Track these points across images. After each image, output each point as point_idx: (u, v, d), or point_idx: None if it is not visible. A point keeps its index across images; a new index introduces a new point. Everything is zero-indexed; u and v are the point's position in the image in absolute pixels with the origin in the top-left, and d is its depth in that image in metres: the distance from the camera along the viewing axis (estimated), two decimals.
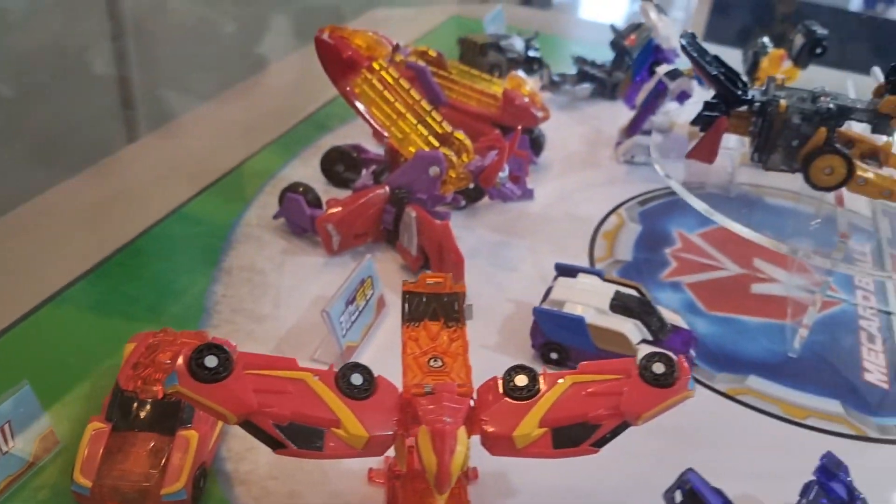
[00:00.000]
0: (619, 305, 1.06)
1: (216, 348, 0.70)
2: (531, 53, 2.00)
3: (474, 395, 0.77)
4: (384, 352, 1.09)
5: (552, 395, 0.76)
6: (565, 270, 1.15)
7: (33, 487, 0.84)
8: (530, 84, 1.55)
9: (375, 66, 1.23)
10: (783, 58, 1.76)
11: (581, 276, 1.13)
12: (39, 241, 1.25)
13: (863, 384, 1.11)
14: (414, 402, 0.74)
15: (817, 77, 1.84)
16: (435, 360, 0.81)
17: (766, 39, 1.84)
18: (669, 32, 1.70)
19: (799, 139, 1.12)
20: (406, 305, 0.85)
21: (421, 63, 1.53)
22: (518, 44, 1.99)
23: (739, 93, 1.14)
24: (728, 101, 1.15)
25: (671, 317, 1.10)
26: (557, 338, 1.06)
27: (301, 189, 1.28)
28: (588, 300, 1.07)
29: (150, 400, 0.87)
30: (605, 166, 1.62)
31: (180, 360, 0.69)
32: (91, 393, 0.96)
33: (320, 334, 1.06)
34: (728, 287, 1.29)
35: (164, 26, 1.81)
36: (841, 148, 1.11)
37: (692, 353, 1.07)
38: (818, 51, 1.72)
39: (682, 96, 1.57)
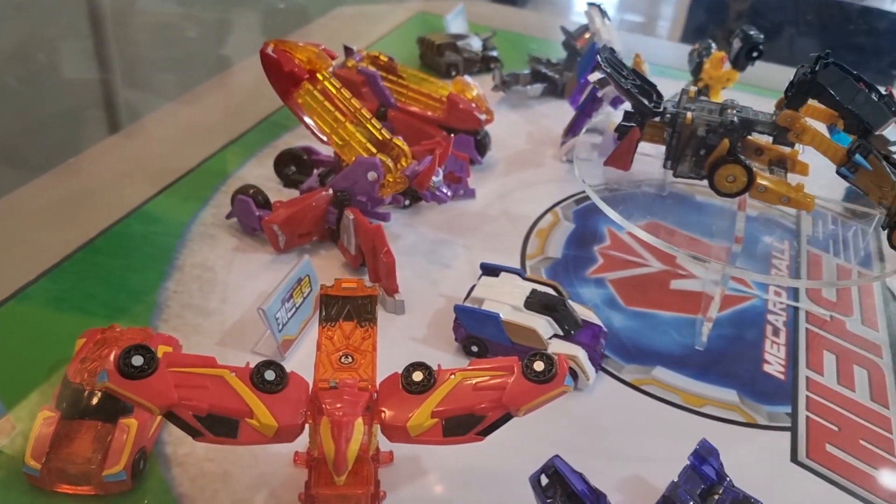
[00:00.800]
0: (534, 303, 1.16)
1: (142, 349, 0.80)
2: (488, 52, 2.09)
3: (377, 389, 0.88)
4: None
5: (444, 390, 0.86)
6: (489, 270, 1.25)
7: None
8: (476, 89, 1.63)
9: (319, 76, 1.31)
10: (724, 60, 1.85)
11: (503, 274, 1.23)
12: (2, 241, 1.35)
13: (761, 375, 1.21)
14: (320, 395, 0.84)
15: (766, 74, 1.94)
16: (346, 357, 0.90)
17: (710, 41, 1.93)
18: (612, 37, 1.78)
19: (705, 149, 1.21)
20: (323, 308, 0.94)
21: (371, 68, 1.62)
22: (475, 43, 2.07)
23: (651, 105, 1.23)
24: (641, 114, 1.24)
25: (585, 312, 1.20)
26: (477, 332, 1.16)
27: (251, 191, 1.37)
28: (505, 298, 1.17)
29: (95, 391, 0.97)
30: (549, 166, 1.71)
31: (110, 359, 0.79)
32: (46, 384, 1.05)
33: (261, 329, 1.16)
34: (648, 283, 1.38)
35: (130, 27, 1.89)
36: (742, 158, 1.20)
37: (602, 345, 1.18)
38: (754, 54, 1.81)
39: (617, 101, 1.66)
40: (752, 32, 1.79)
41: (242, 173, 1.57)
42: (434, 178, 1.32)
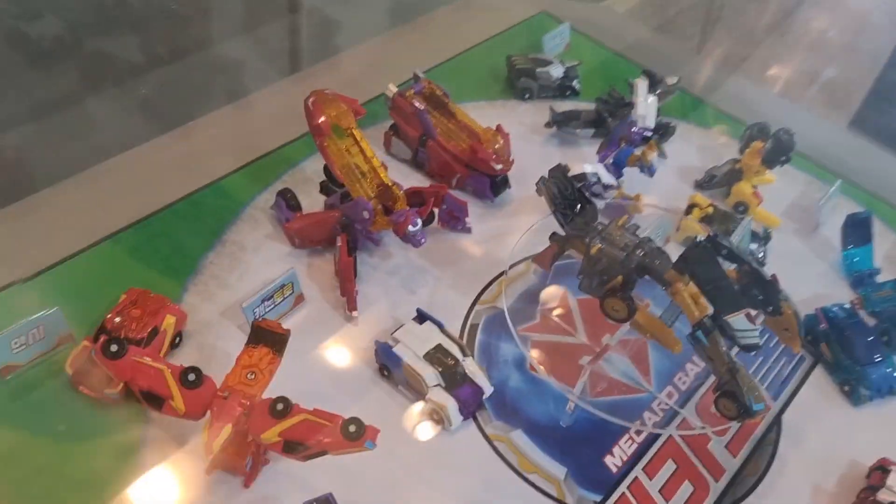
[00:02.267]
0: (432, 355, 1.52)
1: (118, 342, 1.28)
2: (568, 82, 2.27)
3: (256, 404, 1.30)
4: (292, 334, 1.61)
5: (291, 421, 1.28)
6: (421, 315, 1.60)
7: (51, 362, 1.50)
8: (499, 142, 1.89)
9: (344, 128, 1.67)
10: (760, 152, 1.94)
11: (427, 323, 1.59)
12: (118, 186, 1.87)
13: (598, 463, 1.50)
14: (214, 400, 1.29)
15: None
16: (251, 374, 1.34)
17: (766, 123, 2.00)
18: (647, 113, 1.93)
19: (601, 277, 1.45)
20: (252, 333, 1.37)
21: (421, 103, 1.92)
22: (556, 71, 2.26)
23: (571, 227, 1.48)
24: (563, 234, 1.50)
25: (475, 371, 1.54)
26: (387, 364, 1.54)
27: (288, 195, 1.79)
28: (414, 345, 1.53)
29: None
30: None
31: (98, 344, 1.28)
32: (98, 319, 1.58)
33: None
34: (562, 352, 1.66)
35: None
36: (628, 296, 1.42)
37: (476, 402, 1.52)
38: (783, 159, 1.89)
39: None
40: (784, 137, 1.87)
41: (304, 165, 1.98)
42: (410, 228, 1.66)
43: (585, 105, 2.23)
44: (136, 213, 1.81)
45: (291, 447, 1.28)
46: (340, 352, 1.60)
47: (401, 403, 1.53)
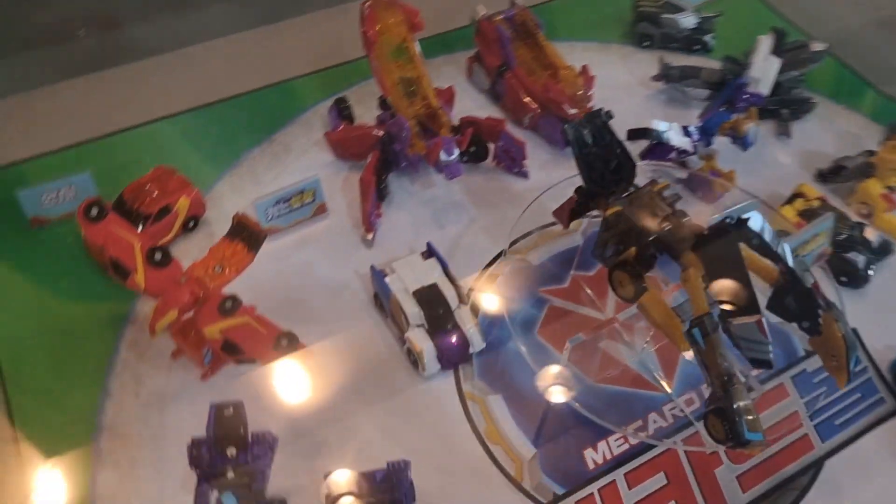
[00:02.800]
0: (422, 294, 1.39)
1: (98, 204, 1.28)
2: (699, 35, 1.97)
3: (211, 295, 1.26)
4: (303, 241, 1.56)
5: (234, 321, 1.22)
6: (429, 251, 1.47)
7: (76, 223, 1.56)
8: (580, 88, 1.67)
9: (399, 41, 1.55)
10: None
11: (432, 259, 1.45)
12: (182, 74, 1.89)
13: (576, 455, 1.30)
14: (170, 283, 1.26)
15: None
16: (219, 267, 1.30)
17: None
18: (763, 76, 1.62)
19: (616, 246, 1.23)
20: (232, 226, 1.33)
21: (507, 30, 1.75)
22: (686, 21, 1.97)
23: (593, 184, 1.27)
24: (587, 189, 1.28)
25: (467, 322, 1.39)
26: (379, 294, 1.44)
27: (342, 104, 1.72)
28: (409, 278, 1.41)
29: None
30: None
31: (81, 206, 1.29)
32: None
33: None
34: (579, 325, 1.46)
35: None
36: (637, 272, 1.20)
37: (460, 353, 1.38)
38: None
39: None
40: None
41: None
42: (443, 156, 1.52)
43: (711, 63, 1.93)
44: (199, 98, 1.83)
45: (229, 347, 1.24)
46: (343, 272, 1.52)
47: (384, 337, 1.44)
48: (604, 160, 1.29)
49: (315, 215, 1.60)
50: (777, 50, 1.65)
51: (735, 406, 1.06)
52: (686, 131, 1.55)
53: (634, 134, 1.48)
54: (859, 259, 1.52)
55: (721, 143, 1.66)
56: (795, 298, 1.09)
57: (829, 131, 1.86)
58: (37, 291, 1.48)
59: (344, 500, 1.13)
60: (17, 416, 1.32)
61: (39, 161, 1.68)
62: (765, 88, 1.63)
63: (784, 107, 1.83)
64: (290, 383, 1.37)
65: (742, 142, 1.57)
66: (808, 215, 1.56)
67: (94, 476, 1.26)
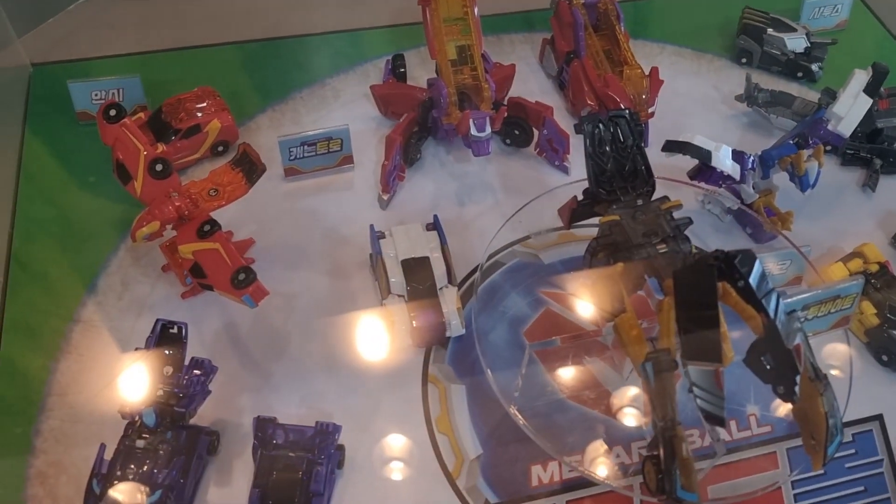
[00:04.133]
0: (409, 265, 1.34)
1: (117, 107, 1.30)
2: (806, 62, 1.78)
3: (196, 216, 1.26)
4: (321, 188, 1.55)
5: (206, 245, 1.21)
6: (434, 222, 1.41)
7: None
8: (645, 91, 1.55)
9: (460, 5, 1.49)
10: None
11: (433, 233, 1.40)
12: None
13: (520, 465, 1.22)
14: (160, 195, 1.27)
15: None
16: (214, 191, 1.30)
17: None
18: (849, 114, 1.44)
19: (607, 258, 1.13)
20: (237, 154, 1.32)
21: (583, 15, 1.64)
22: (793, 43, 1.78)
23: (603, 192, 1.16)
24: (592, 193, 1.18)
25: (450, 304, 1.32)
26: (374, 251, 1.40)
27: (398, 61, 1.67)
28: (402, 246, 1.36)
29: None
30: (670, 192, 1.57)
31: (102, 105, 1.32)
32: None
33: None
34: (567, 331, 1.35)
35: None
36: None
37: (444, 338, 1.32)
38: None
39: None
40: None
41: None
42: (473, 131, 1.46)
43: (810, 94, 1.74)
44: (268, 31, 1.84)
45: (197, 270, 1.24)
46: (350, 227, 1.49)
47: (368, 299, 1.40)
48: (618, 163, 1.18)
49: (340, 164, 1.58)
50: (871, 89, 1.46)
51: (670, 458, 0.95)
52: (739, 157, 1.40)
53: (671, 146, 1.35)
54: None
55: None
56: (773, 357, 0.96)
57: None
58: (66, 181, 1.55)
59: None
60: (10, 291, 1.39)
61: (104, 61, 1.75)
62: (846, 129, 1.44)
63: (879, 156, 1.63)
64: (262, 322, 1.36)
65: (800, 181, 1.40)
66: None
67: (57, 362, 1.30)
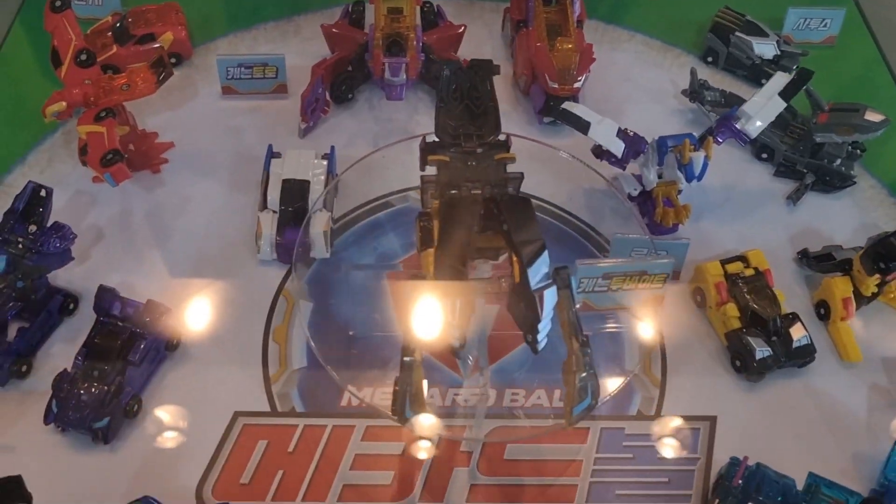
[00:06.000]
0: (290, 185, 1.41)
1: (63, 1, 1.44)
2: (768, 68, 1.71)
3: None
4: (252, 110, 1.64)
5: (94, 128, 1.33)
6: (329, 154, 1.48)
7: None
8: (572, 67, 1.56)
9: None
10: None
11: (325, 161, 1.46)
12: None
13: (335, 391, 1.27)
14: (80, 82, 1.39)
15: None
16: (126, 86, 1.41)
17: None
18: (759, 115, 1.39)
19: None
20: (155, 58, 1.42)
21: None
22: (761, 48, 1.73)
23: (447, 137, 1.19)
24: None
25: (317, 228, 1.38)
26: (264, 168, 1.48)
27: (354, 7, 1.72)
28: (290, 167, 1.44)
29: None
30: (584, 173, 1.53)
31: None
32: None
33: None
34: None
35: None
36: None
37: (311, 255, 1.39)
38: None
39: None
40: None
41: None
42: (387, 75, 1.52)
43: None
44: None
45: (84, 150, 1.36)
46: (264, 148, 1.55)
47: (254, 210, 1.47)
48: (469, 111, 1.20)
49: (275, 91, 1.67)
50: (787, 92, 1.40)
51: (404, 382, 0.99)
52: (635, 139, 1.38)
53: (551, 111, 1.35)
54: (762, 351, 1.29)
55: (734, 184, 1.53)
56: (525, 305, 0.97)
57: (857, 221, 1.56)
58: (34, 69, 1.71)
59: None
60: None
61: None
62: (753, 129, 1.39)
63: (815, 172, 1.57)
64: (153, 216, 1.48)
65: (686, 170, 1.37)
66: (732, 281, 1.35)
67: None
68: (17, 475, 0.99)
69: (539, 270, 0.96)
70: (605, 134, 1.37)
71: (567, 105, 1.38)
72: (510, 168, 1.17)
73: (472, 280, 1.09)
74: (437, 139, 1.22)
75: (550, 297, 0.96)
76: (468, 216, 1.02)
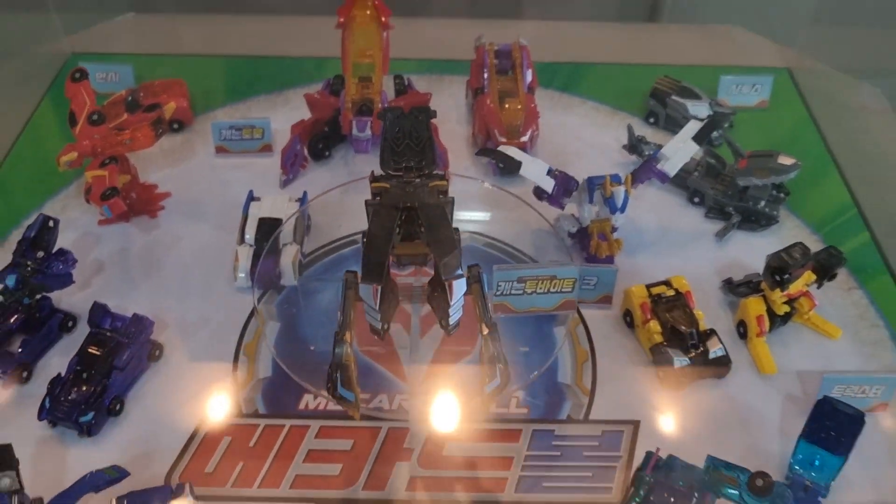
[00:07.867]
0: (264, 222, 1.62)
1: (82, 72, 1.71)
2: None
3: None
4: (241, 166, 1.87)
5: (98, 173, 1.55)
6: (302, 198, 1.69)
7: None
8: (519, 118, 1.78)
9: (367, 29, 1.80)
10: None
11: (296, 203, 1.67)
12: None
13: (296, 396, 1.43)
14: (91, 137, 1.63)
15: None
16: (129, 140, 1.65)
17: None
18: (677, 158, 1.58)
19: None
20: (156, 117, 1.67)
21: (494, 58, 1.91)
22: (695, 109, 1.94)
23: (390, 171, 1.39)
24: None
25: (288, 256, 1.58)
26: (244, 210, 1.68)
27: (335, 79, 1.98)
28: (266, 208, 1.65)
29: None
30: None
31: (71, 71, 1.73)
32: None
33: None
34: None
35: None
36: None
37: (281, 283, 1.58)
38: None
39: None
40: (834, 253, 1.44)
41: None
42: (354, 132, 1.74)
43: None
44: (258, 51, 2.25)
45: (90, 191, 1.59)
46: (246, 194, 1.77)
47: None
48: (411, 150, 1.40)
49: (261, 150, 1.90)
50: (699, 136, 1.59)
51: (336, 360, 1.15)
52: (564, 178, 1.57)
53: (485, 152, 1.55)
54: (680, 360, 1.43)
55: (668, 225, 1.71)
56: (438, 294, 1.14)
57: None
58: (57, 134, 1.98)
59: None
60: None
61: (129, 56, 2.20)
62: (671, 169, 1.58)
63: (742, 213, 1.74)
64: (148, 252, 1.69)
65: (609, 203, 1.55)
66: (655, 301, 1.50)
67: None
68: (7, 443, 1.15)
69: (450, 263, 1.13)
70: (536, 172, 1.56)
71: (502, 147, 1.58)
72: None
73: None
74: (382, 172, 1.43)
75: (459, 287, 1.13)
76: (388, 220, 1.21)
